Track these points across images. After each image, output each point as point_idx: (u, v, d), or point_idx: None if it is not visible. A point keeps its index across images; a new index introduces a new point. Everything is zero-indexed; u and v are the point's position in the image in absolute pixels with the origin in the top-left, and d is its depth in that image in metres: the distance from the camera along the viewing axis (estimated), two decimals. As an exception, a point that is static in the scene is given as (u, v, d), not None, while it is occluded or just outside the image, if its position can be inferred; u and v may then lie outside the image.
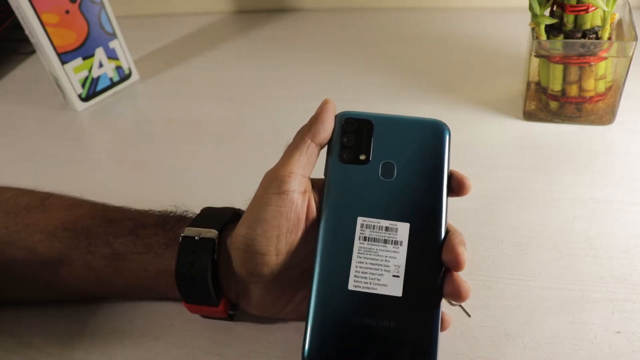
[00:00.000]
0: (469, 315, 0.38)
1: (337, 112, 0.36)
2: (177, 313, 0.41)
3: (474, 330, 0.38)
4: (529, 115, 0.56)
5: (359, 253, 0.33)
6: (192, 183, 0.43)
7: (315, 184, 0.35)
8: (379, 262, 0.33)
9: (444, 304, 0.32)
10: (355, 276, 0.33)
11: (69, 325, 0.41)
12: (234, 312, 0.40)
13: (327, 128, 0.35)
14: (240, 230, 0.34)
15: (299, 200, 0.33)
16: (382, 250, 0.33)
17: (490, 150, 0.53)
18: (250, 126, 0.61)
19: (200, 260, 0.35)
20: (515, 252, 0.43)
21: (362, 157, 0.35)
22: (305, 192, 0.34)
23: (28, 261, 0.38)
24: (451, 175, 0.34)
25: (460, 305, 0.39)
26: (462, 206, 0.38)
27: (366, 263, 0.33)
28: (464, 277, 0.32)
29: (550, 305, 0.39)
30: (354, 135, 0.35)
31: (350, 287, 0.33)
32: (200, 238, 0.36)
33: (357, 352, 0.32)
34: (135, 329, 0.40)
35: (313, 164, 0.35)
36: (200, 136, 0.61)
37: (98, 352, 0.39)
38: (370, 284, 0.33)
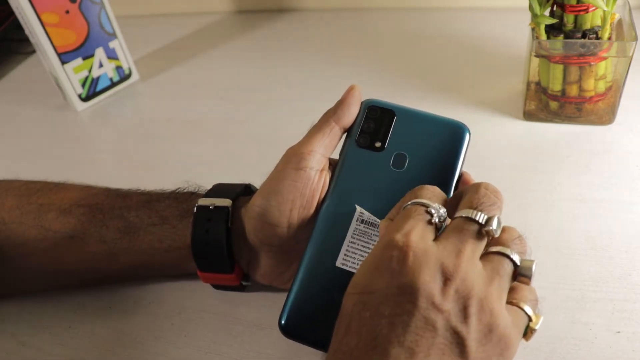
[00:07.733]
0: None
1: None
2: (176, 313, 0.41)
3: (474, 330, 0.38)
4: (529, 115, 0.56)
5: (353, 234, 0.34)
6: (191, 183, 0.44)
7: (332, 163, 0.36)
8: (371, 246, 0.33)
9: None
10: (345, 254, 0.33)
11: (69, 325, 0.41)
12: (247, 283, 0.40)
13: (351, 112, 0.36)
14: (256, 200, 0.35)
15: (315, 177, 0.34)
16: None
17: (490, 150, 0.53)
18: (250, 126, 0.61)
19: (215, 228, 0.36)
20: (515, 252, 0.43)
21: (378, 144, 0.36)
22: (322, 170, 0.35)
23: (40, 239, 0.38)
24: (461, 177, 0.35)
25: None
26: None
27: (358, 244, 0.34)
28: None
29: (550, 305, 0.39)
30: (375, 123, 0.36)
31: (338, 263, 0.33)
32: (215, 207, 0.37)
33: (333, 329, 0.32)
34: (135, 328, 0.40)
35: (334, 145, 0.36)
36: (200, 136, 0.61)
37: (98, 352, 0.39)
38: (358, 264, 0.33)
